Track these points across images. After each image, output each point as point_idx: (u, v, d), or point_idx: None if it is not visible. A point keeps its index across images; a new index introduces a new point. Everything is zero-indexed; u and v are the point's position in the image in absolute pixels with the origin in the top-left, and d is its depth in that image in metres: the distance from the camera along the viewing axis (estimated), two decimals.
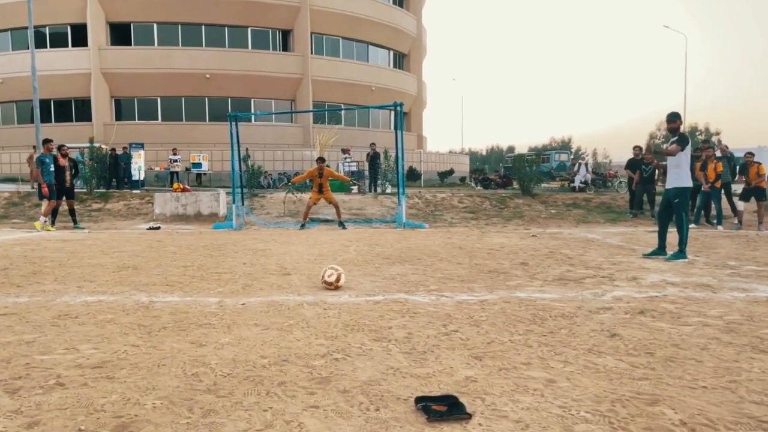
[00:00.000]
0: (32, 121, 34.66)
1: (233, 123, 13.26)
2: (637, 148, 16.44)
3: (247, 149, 23.92)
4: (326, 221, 14.21)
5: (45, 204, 12.69)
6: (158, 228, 13.02)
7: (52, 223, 12.82)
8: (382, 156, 18.53)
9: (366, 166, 20.09)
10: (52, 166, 12.54)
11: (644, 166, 15.00)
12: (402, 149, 12.97)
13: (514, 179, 27.77)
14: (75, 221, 13.28)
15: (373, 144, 19.96)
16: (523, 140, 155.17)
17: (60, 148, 13.03)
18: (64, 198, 13.04)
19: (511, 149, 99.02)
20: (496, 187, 26.16)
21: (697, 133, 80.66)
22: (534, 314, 4.78)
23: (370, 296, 5.55)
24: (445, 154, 42.15)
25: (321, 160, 13.26)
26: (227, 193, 15.73)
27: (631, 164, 15.66)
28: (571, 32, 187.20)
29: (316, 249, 9.15)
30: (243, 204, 14.08)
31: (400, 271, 7.03)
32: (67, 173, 13.03)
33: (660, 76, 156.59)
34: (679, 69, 79.62)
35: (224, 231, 12.53)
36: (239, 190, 13.80)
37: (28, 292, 5.75)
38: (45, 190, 12.39)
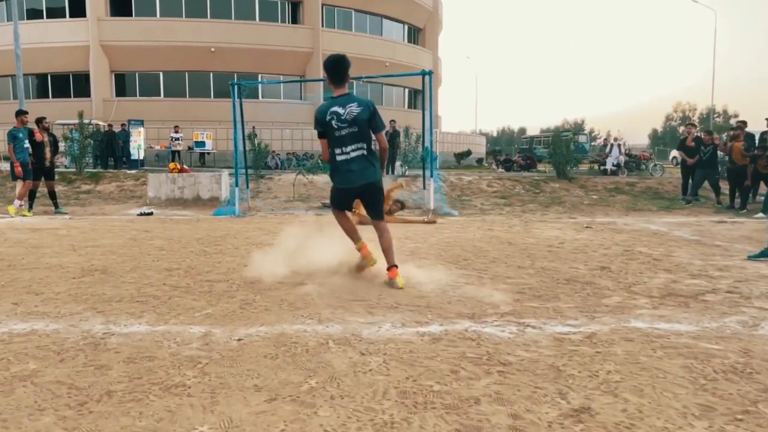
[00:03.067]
0: (29, 97, 33.04)
1: (237, 94, 11.51)
2: (690, 125, 14.65)
3: (253, 127, 22.18)
4: None
5: (19, 185, 11.05)
6: (150, 214, 11.37)
7: (30, 208, 11.19)
8: (402, 135, 16.72)
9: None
10: (27, 141, 10.86)
11: (703, 148, 13.17)
12: (431, 124, 11.20)
13: (545, 161, 26.00)
14: (56, 205, 11.64)
15: (393, 121, 18.14)
16: (534, 122, 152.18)
17: (39, 121, 11.33)
18: (42, 179, 11.38)
19: (522, 131, 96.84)
20: (519, 169, 24.40)
21: (715, 115, 78.13)
22: (687, 367, 3.09)
23: (423, 325, 3.86)
24: (461, 135, 40.21)
25: None
26: (230, 174, 14.06)
27: (685, 146, 13.83)
28: (586, 8, 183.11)
29: (335, 244, 7.41)
30: (248, 187, 12.40)
31: (448, 279, 5.34)
32: (47, 150, 11.34)
33: (675, 55, 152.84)
34: (696, 47, 76.77)
35: (225, 218, 10.87)
36: (243, 171, 12.11)
37: None
38: (18, 169, 10.73)
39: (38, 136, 11.09)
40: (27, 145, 10.84)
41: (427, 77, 11.06)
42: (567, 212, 12.53)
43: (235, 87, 11.54)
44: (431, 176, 11.41)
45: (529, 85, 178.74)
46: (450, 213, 11.61)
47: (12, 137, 10.64)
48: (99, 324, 3.83)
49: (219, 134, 26.23)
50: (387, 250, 5.14)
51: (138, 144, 22.48)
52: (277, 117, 30.48)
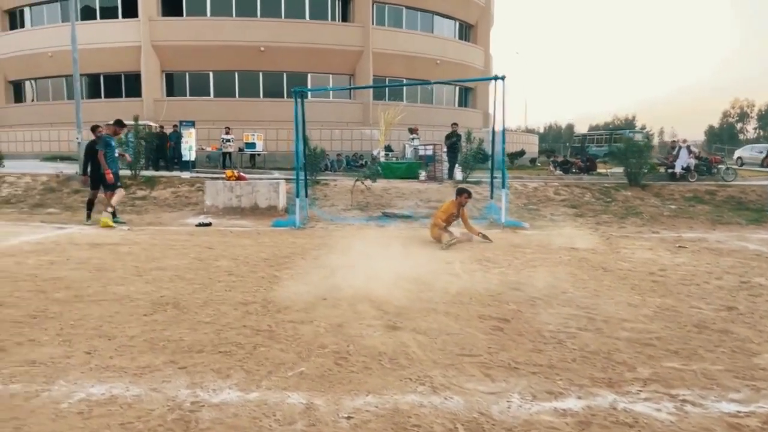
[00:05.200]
0: (81, 97, 33.44)
1: (298, 101, 11.06)
2: None
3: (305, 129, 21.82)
4: (405, 218, 11.92)
5: (109, 195, 10.88)
6: (209, 224, 11.01)
7: (87, 218, 10.98)
8: (464, 138, 15.99)
9: (443, 150, 17.52)
10: (116, 150, 11.01)
11: None
12: (503, 132, 10.52)
13: (599, 160, 24.95)
14: (114, 215, 11.39)
15: (455, 124, 17.45)
16: (582, 117, 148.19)
17: (94, 129, 11.10)
18: (101, 187, 11.15)
19: (570, 127, 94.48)
20: (577, 172, 23.38)
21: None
22: None
23: (558, 398, 3.27)
24: (514, 133, 39.13)
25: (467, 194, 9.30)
26: (286, 181, 13.65)
27: None
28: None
29: (413, 270, 6.83)
30: (306, 195, 11.96)
31: (554, 323, 4.71)
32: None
33: (721, 44, 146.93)
34: (749, 37, 73.27)
35: (286, 230, 10.43)
36: (303, 178, 11.66)
37: (11, 363, 3.69)
38: (110, 177, 10.57)
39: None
40: (117, 154, 10.94)
41: (500, 82, 10.40)
42: (646, 225, 11.68)
43: (298, 94, 11.08)
44: (503, 186, 10.74)
45: (576, 76, 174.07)
46: (520, 225, 10.91)
47: (105, 144, 10.61)
48: (184, 388, 3.35)
49: (269, 135, 25.98)
50: None
51: (189, 145, 22.36)
52: (327, 117, 30.15)
